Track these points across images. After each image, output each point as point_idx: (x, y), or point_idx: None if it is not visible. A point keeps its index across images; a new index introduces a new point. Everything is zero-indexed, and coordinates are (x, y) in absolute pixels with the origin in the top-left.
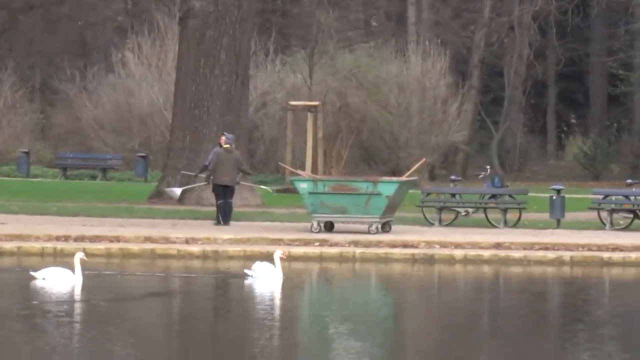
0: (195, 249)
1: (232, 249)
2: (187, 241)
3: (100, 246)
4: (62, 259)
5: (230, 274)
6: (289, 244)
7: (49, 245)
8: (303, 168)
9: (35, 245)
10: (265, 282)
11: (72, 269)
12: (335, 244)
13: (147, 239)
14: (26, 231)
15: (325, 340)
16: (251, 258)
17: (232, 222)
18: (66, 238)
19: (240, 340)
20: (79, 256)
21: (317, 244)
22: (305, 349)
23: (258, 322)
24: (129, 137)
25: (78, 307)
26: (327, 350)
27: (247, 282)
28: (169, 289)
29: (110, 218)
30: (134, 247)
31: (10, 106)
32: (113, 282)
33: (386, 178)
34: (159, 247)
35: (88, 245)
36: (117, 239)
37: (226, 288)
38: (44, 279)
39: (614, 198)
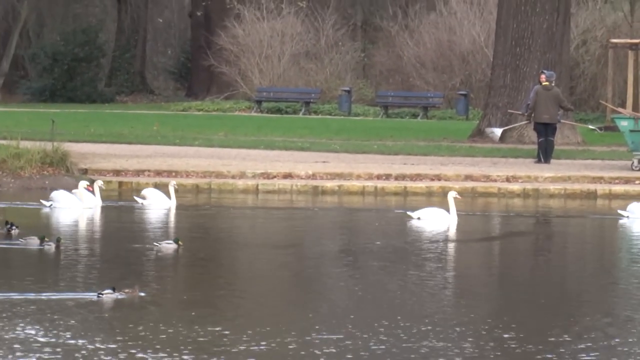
0: (515, 187)
1: (553, 187)
2: (507, 179)
3: (421, 185)
4: (382, 197)
5: (603, 213)
6: (609, 182)
7: (370, 184)
8: (623, 106)
9: (356, 184)
10: None
11: (447, 209)
12: None
13: (468, 177)
14: (347, 170)
15: None
16: (571, 196)
17: (552, 160)
18: (387, 177)
19: None
20: (453, 195)
21: (637, 182)
22: None
23: None
24: (450, 75)
25: (452, 247)
26: None
27: (621, 221)
28: (541, 228)
29: (431, 156)
30: (455, 185)
31: (332, 44)
32: (486, 222)
33: None
34: (480, 185)
35: (409, 184)
36: (438, 178)
37: (604, 228)
38: (419, 218)
39: None
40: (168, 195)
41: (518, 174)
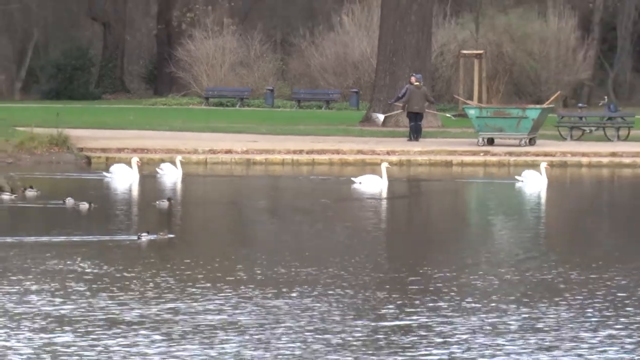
0: (394, 158)
1: (421, 158)
2: (388, 153)
3: (325, 157)
4: (297, 167)
5: (504, 178)
6: (461, 154)
7: (288, 157)
8: (471, 99)
9: (278, 157)
10: (533, 185)
11: (380, 175)
12: (495, 154)
13: (359, 152)
14: (271, 147)
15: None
16: (434, 165)
17: (420, 139)
18: (300, 152)
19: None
20: (384, 165)
21: (482, 154)
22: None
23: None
24: (345, 78)
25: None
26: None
27: (517, 185)
28: (466, 192)
29: (332, 136)
30: (350, 157)
31: (259, 55)
32: (411, 186)
33: (532, 106)
34: (368, 157)
35: (316, 157)
36: (337, 152)
37: (504, 190)
38: (360, 183)
39: None
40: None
41: (396, 149)
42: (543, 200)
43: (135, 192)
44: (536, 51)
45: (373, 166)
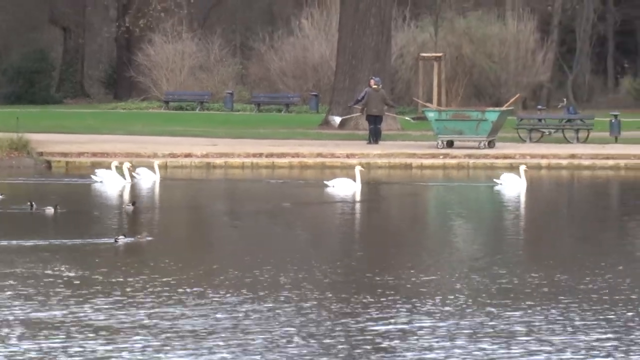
0: (354, 161)
1: (380, 161)
2: (347, 156)
3: (285, 160)
4: (257, 170)
5: (482, 182)
6: (421, 157)
7: (247, 160)
8: (431, 101)
9: (237, 161)
10: (512, 188)
11: (354, 179)
12: (455, 157)
13: (319, 155)
14: (230, 150)
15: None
16: (394, 167)
17: (380, 142)
18: (260, 155)
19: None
20: (358, 168)
21: (441, 156)
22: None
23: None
24: (305, 81)
25: (359, 206)
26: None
27: (496, 188)
28: (439, 195)
29: (291, 140)
30: (309, 160)
31: (218, 60)
32: (386, 190)
33: (491, 108)
34: (327, 160)
35: (276, 160)
36: (297, 155)
37: (484, 193)
38: (333, 186)
39: None
40: (153, 171)
41: (355, 152)
42: (523, 203)
43: (105, 197)
44: (495, 53)
45: (332, 169)
